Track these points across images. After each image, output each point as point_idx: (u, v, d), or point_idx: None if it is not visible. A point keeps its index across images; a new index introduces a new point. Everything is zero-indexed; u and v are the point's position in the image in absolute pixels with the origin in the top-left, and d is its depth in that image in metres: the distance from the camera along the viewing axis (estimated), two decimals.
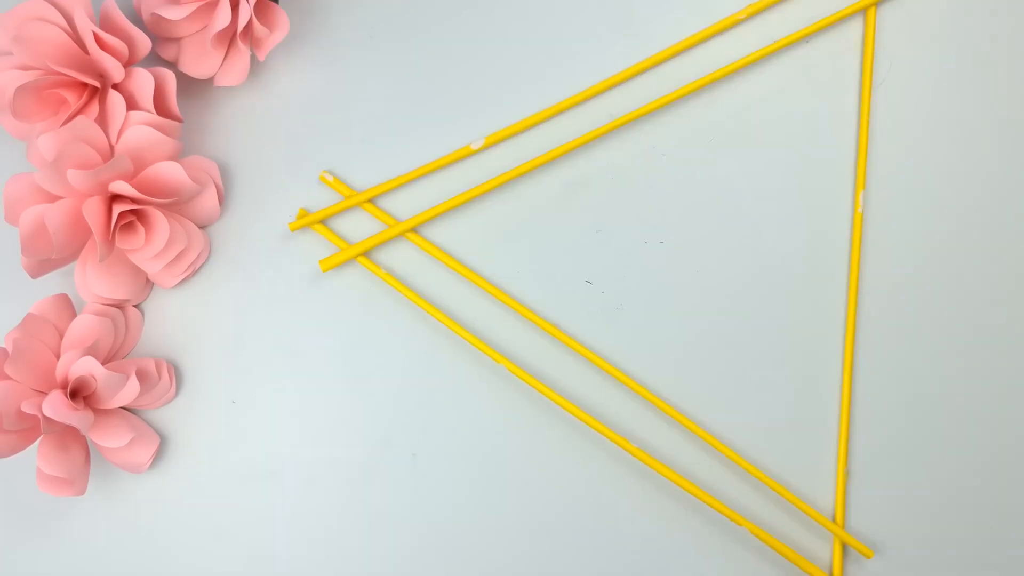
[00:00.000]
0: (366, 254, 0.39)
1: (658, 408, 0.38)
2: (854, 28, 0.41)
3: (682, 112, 0.40)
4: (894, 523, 0.38)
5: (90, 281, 0.38)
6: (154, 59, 0.40)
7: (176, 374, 0.39)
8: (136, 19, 0.38)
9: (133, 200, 0.36)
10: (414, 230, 0.39)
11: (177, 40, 0.39)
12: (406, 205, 0.40)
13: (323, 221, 0.40)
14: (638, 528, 0.38)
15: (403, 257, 0.40)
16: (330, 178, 0.40)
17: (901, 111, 0.40)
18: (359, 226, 0.40)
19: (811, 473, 0.38)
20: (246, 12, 0.36)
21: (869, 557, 0.37)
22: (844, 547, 0.37)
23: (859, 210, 0.39)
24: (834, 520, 0.38)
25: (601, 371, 0.39)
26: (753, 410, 0.38)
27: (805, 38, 0.41)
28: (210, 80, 0.39)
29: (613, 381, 0.39)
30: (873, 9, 0.40)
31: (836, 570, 0.37)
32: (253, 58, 0.39)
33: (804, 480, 0.38)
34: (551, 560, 0.38)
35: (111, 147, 0.37)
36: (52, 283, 0.39)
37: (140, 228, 0.37)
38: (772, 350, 0.39)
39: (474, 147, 0.40)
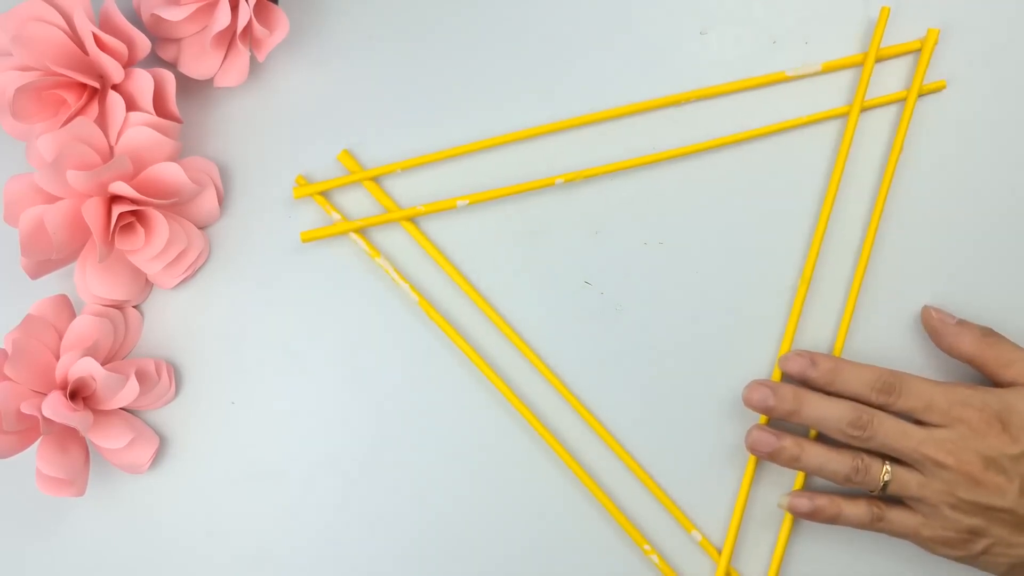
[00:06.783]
0: (368, 262, 0.39)
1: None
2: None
3: (683, 111, 0.40)
4: None
5: (90, 282, 0.38)
6: (154, 60, 0.39)
7: (176, 375, 0.39)
8: (136, 20, 0.38)
9: (133, 201, 0.36)
10: (411, 221, 0.39)
11: (177, 41, 0.39)
12: (403, 202, 0.40)
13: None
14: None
15: (400, 258, 0.40)
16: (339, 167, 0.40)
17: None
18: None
19: None
20: (246, 13, 0.36)
21: None
22: None
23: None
24: None
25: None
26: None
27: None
28: (210, 80, 0.39)
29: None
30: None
31: None
32: (253, 58, 0.39)
33: None
34: (552, 559, 0.38)
35: (111, 148, 0.37)
36: (52, 284, 0.39)
37: (140, 229, 0.37)
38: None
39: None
